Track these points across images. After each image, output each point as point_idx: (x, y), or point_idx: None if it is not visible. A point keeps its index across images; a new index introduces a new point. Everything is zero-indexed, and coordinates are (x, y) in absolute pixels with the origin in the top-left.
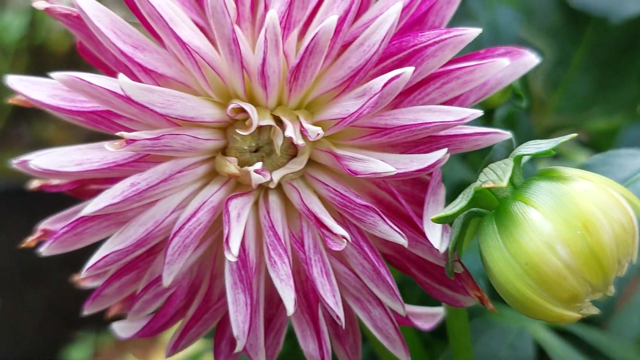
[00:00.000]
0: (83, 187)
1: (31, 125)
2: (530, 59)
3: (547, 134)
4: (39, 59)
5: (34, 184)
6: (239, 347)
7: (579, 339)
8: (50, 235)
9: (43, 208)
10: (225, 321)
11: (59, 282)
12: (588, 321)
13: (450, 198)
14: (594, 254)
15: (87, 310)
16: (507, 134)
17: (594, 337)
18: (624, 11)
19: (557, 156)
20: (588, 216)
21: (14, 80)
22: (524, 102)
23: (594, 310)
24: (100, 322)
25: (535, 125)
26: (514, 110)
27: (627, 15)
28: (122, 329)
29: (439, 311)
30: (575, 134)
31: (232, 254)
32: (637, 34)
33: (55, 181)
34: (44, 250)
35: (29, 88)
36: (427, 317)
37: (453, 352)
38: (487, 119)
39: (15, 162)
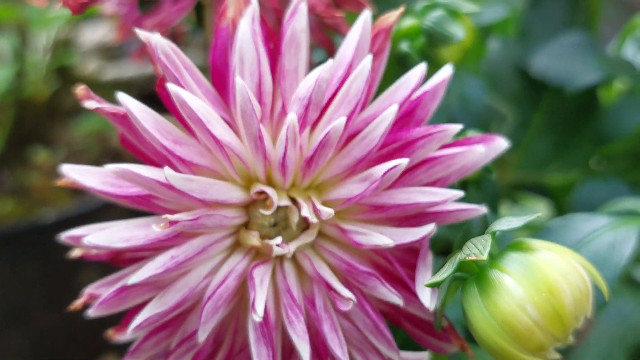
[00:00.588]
0: (119, 255)
1: (13, 172)
2: (500, 144)
3: (509, 188)
4: (22, 110)
5: (76, 252)
6: None
7: None
8: (94, 299)
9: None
10: None
11: (43, 323)
12: None
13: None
14: (557, 313)
15: None
16: (483, 210)
17: None
18: (578, 81)
19: (522, 205)
20: (552, 282)
21: (68, 170)
22: (493, 175)
23: (557, 356)
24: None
25: (499, 180)
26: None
27: (581, 85)
28: None
29: (424, 356)
30: (540, 213)
31: (258, 315)
32: (589, 101)
33: (94, 251)
34: (91, 312)
35: (83, 176)
36: None
37: None
38: (462, 186)
39: (65, 236)
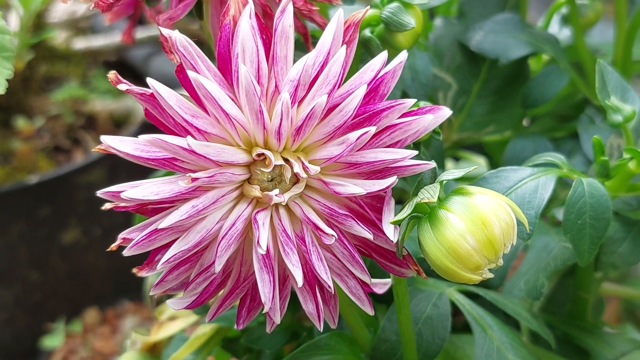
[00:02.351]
0: (143, 207)
1: None
2: (445, 112)
3: (454, 147)
4: None
5: (107, 206)
6: (266, 309)
7: (482, 298)
8: (127, 242)
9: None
10: (245, 295)
11: (27, 279)
12: (488, 286)
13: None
14: (489, 240)
15: (154, 291)
16: (433, 164)
17: (492, 296)
18: (510, 54)
19: (458, 159)
20: (485, 217)
21: (107, 139)
22: (441, 136)
23: (490, 275)
24: (68, 313)
25: (445, 140)
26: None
27: (513, 57)
28: (175, 304)
29: (388, 281)
30: (476, 166)
31: (262, 249)
32: (520, 70)
33: (122, 203)
34: (126, 252)
35: (119, 144)
36: (380, 285)
37: (397, 308)
38: (416, 148)
39: (101, 193)
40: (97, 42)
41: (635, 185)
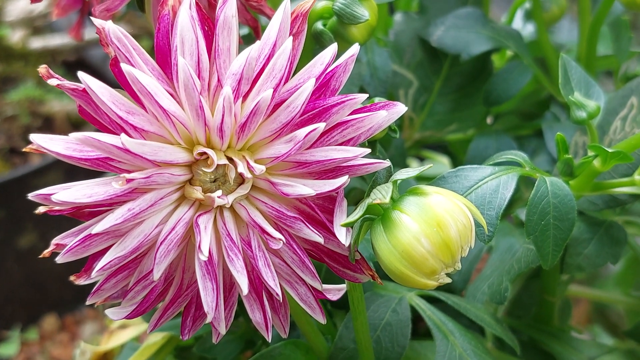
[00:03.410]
0: (79, 210)
1: None
2: (400, 108)
3: (416, 145)
4: None
5: (40, 209)
6: (209, 319)
7: (443, 303)
8: (61, 248)
9: None
10: (190, 304)
11: None
12: (452, 290)
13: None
14: (445, 243)
15: (90, 300)
16: (387, 163)
17: (454, 301)
18: (472, 50)
19: (423, 159)
20: (440, 218)
21: (37, 138)
22: (398, 134)
23: (448, 280)
24: (24, 321)
25: (407, 138)
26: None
27: (474, 53)
28: (114, 314)
29: (342, 287)
30: (431, 165)
31: (204, 255)
32: (482, 66)
33: (56, 207)
34: (59, 259)
35: (49, 143)
36: (334, 291)
37: (353, 315)
38: (372, 146)
39: (32, 195)
40: (54, 41)
41: (600, 184)
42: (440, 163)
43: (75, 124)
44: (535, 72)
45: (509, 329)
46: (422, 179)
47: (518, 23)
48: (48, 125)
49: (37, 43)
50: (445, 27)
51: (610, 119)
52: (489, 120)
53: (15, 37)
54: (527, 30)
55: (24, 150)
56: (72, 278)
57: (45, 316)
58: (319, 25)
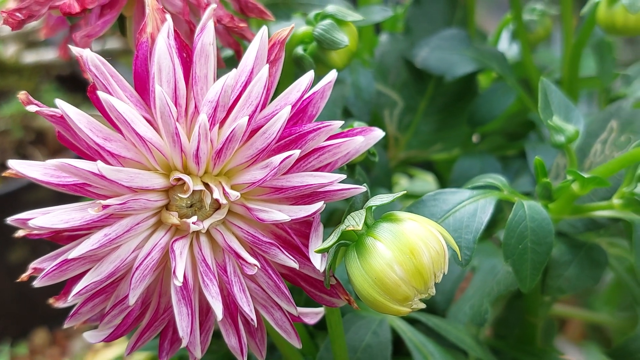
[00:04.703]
0: (58, 234)
1: None
2: (377, 134)
3: (401, 164)
4: None
5: (20, 233)
6: (184, 344)
7: (424, 325)
8: (39, 272)
9: None
10: (167, 327)
11: None
12: (434, 310)
13: (326, 221)
14: (418, 270)
15: (68, 324)
16: (363, 189)
17: (435, 322)
18: (456, 71)
19: (412, 176)
20: (413, 245)
21: (15, 164)
22: (377, 157)
23: (422, 305)
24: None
25: (392, 158)
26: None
27: (458, 74)
28: (92, 337)
29: (320, 310)
30: (404, 191)
31: (178, 280)
32: (467, 87)
33: (35, 231)
34: (36, 283)
35: (27, 169)
36: (312, 315)
37: (331, 339)
38: (351, 170)
39: (11, 220)
40: (48, 55)
41: (580, 207)
42: (425, 181)
43: None
44: (519, 93)
45: (492, 349)
46: (408, 196)
47: (504, 43)
48: (41, 139)
49: (31, 57)
50: (429, 48)
51: (591, 142)
52: (474, 138)
53: (9, 51)
54: (514, 50)
55: (3, 175)
56: (50, 301)
57: (36, 330)
58: (299, 50)
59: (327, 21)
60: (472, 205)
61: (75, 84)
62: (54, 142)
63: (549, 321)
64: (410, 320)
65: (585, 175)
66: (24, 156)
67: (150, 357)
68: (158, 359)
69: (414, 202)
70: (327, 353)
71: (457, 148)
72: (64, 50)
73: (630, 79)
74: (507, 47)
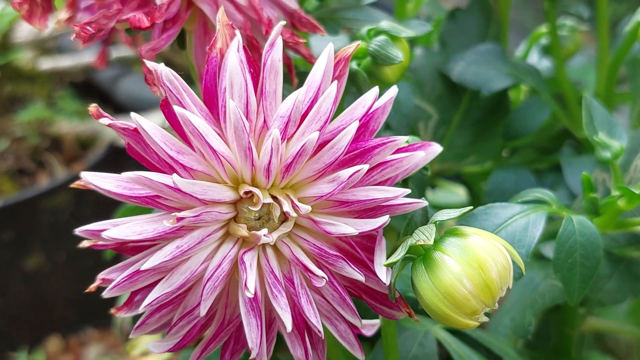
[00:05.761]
0: (123, 245)
1: None
2: (436, 149)
3: (434, 177)
4: None
5: (85, 244)
6: (253, 355)
7: (467, 336)
8: (107, 283)
9: None
10: (229, 339)
11: None
12: None
13: None
14: (486, 284)
15: (134, 334)
16: (425, 203)
17: (478, 334)
18: (492, 86)
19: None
20: (481, 260)
21: (87, 175)
22: (429, 172)
23: (486, 319)
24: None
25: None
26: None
27: (495, 89)
28: (156, 347)
29: (376, 322)
30: (472, 207)
31: (250, 292)
32: (500, 101)
33: (100, 242)
34: (105, 294)
35: (100, 181)
36: (369, 326)
37: (386, 350)
38: (404, 184)
39: (79, 231)
40: (63, 62)
41: (623, 222)
42: (450, 192)
43: (83, 145)
44: (553, 108)
45: None
46: (436, 207)
47: (533, 57)
48: (56, 146)
49: (47, 64)
50: (465, 62)
51: (631, 158)
52: (504, 153)
53: (25, 58)
54: (542, 65)
55: (71, 186)
56: (112, 311)
57: (50, 338)
58: (353, 65)
59: (382, 37)
60: (524, 219)
61: (88, 91)
62: (69, 148)
63: (581, 333)
64: (454, 332)
65: (636, 191)
66: (39, 163)
67: None
68: None
69: (462, 215)
70: None
71: (489, 161)
72: (102, 60)
73: None
74: (537, 62)
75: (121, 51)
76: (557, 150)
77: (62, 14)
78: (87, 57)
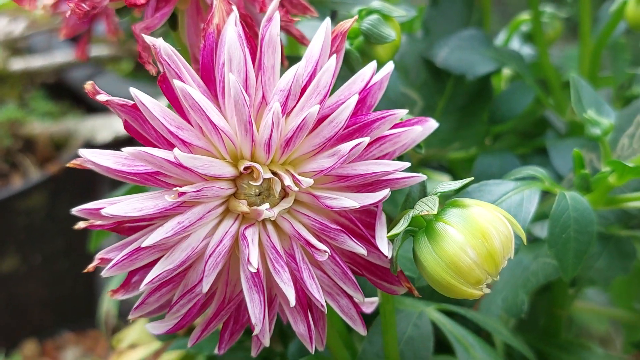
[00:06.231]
0: (120, 225)
1: None
2: (432, 124)
3: (417, 164)
4: None
5: (80, 224)
6: (257, 331)
7: (461, 317)
8: (106, 262)
9: None
10: (229, 318)
11: None
12: (462, 303)
13: None
14: (490, 253)
15: (133, 315)
16: (424, 177)
17: (471, 314)
18: (477, 70)
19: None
20: (484, 229)
21: (86, 153)
22: (423, 150)
23: (487, 290)
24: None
25: (412, 156)
26: None
27: (480, 73)
28: (155, 328)
29: (375, 300)
30: (472, 178)
31: (253, 267)
32: (484, 87)
33: (97, 222)
34: (104, 273)
35: (99, 158)
36: (367, 304)
37: (384, 328)
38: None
39: (76, 210)
40: (35, 62)
41: (614, 198)
42: (436, 180)
43: (57, 145)
44: (537, 92)
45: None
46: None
47: (514, 45)
48: (30, 147)
49: (18, 65)
50: (449, 48)
51: (618, 136)
52: (487, 141)
53: None
54: (524, 51)
55: (68, 165)
56: (108, 293)
57: (26, 342)
58: (346, 44)
59: (374, 16)
60: (518, 195)
61: (61, 92)
62: (43, 149)
63: (568, 315)
64: (446, 313)
65: (629, 164)
66: (12, 164)
67: (182, 356)
68: (193, 354)
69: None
70: (371, 346)
71: (474, 147)
72: (82, 51)
73: None
74: (518, 49)
75: (94, 51)
76: (540, 135)
77: (47, 0)
78: (58, 57)
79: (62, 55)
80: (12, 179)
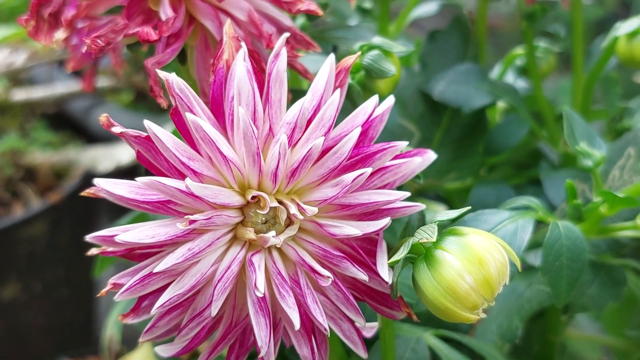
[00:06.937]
0: (132, 251)
1: None
2: (431, 155)
3: (415, 194)
4: None
5: (93, 251)
6: (263, 354)
7: (457, 342)
8: (118, 287)
9: None
10: (235, 341)
11: None
12: (458, 329)
13: None
14: (486, 279)
15: (144, 338)
16: (423, 206)
17: (467, 340)
18: (473, 103)
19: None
20: (481, 256)
21: (100, 182)
22: (422, 180)
23: (484, 315)
24: None
25: (409, 185)
26: None
27: (475, 106)
28: (164, 350)
29: (375, 324)
30: (469, 207)
31: (260, 292)
32: (479, 119)
33: (110, 248)
34: (117, 297)
35: (112, 187)
36: (368, 328)
37: (383, 352)
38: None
39: (90, 237)
40: (37, 93)
41: (605, 228)
42: (433, 210)
43: (58, 174)
44: (531, 125)
45: None
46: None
47: (509, 79)
48: (31, 176)
49: (20, 95)
50: (446, 82)
51: (609, 168)
52: (482, 172)
53: None
54: (518, 85)
55: (82, 194)
56: (119, 317)
57: None
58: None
59: (375, 52)
60: (513, 224)
61: (61, 122)
62: (44, 178)
63: (562, 342)
64: (444, 338)
65: (619, 195)
66: (14, 193)
67: None
68: None
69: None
70: None
71: (469, 178)
72: (89, 83)
73: (632, 112)
74: (513, 82)
75: (97, 81)
76: (534, 166)
77: (60, 34)
78: (59, 88)
79: (63, 86)
80: (14, 208)
